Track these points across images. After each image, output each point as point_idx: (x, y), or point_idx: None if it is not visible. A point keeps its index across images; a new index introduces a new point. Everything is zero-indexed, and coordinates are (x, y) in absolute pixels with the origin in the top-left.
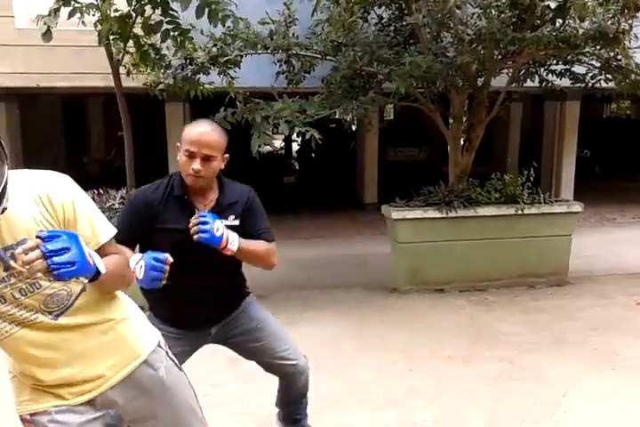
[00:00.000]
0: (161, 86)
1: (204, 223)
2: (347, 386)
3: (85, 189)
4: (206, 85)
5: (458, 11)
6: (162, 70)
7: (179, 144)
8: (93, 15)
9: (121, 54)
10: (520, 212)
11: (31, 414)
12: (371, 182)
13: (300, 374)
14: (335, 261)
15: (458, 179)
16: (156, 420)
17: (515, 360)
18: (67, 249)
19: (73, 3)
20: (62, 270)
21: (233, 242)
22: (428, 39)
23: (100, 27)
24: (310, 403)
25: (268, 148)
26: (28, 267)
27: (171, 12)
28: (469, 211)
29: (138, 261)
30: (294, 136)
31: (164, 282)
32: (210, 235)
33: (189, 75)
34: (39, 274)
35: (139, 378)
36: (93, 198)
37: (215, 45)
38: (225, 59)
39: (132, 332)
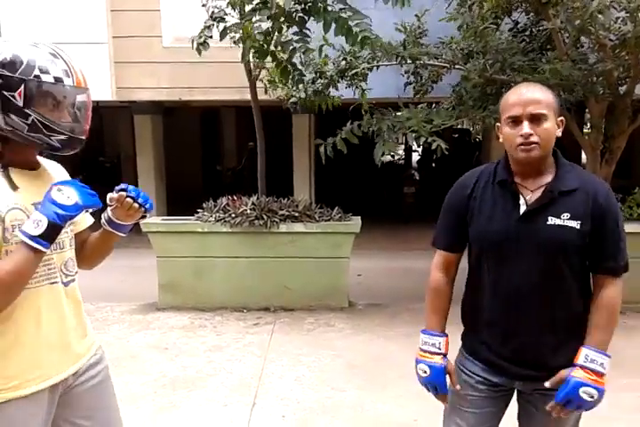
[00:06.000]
0: (293, 99)
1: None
2: None
3: (219, 195)
4: (335, 98)
5: (600, 15)
6: (295, 85)
7: (498, 124)
8: (236, 33)
9: (258, 70)
10: None
11: (1, 403)
12: None
13: None
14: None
15: None
16: (94, 414)
17: None
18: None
19: (223, 24)
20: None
21: (605, 367)
22: (565, 45)
23: (242, 44)
24: None
25: (388, 158)
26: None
27: (304, 31)
28: None
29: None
30: (414, 146)
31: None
32: (592, 404)
33: (320, 89)
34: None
35: (90, 365)
36: (228, 204)
37: (345, 59)
38: (353, 72)
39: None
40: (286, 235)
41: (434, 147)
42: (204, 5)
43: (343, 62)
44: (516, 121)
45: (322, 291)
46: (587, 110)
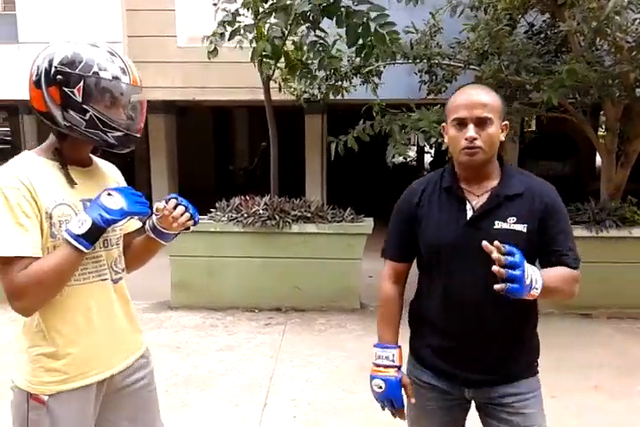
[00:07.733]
0: (305, 95)
1: (514, 266)
2: None
3: (231, 195)
4: (346, 93)
5: (617, 17)
6: (308, 82)
7: (444, 124)
8: (249, 34)
9: (271, 70)
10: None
11: (50, 395)
12: None
13: None
14: None
15: (611, 196)
16: (137, 416)
17: None
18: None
19: (236, 24)
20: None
21: (537, 284)
22: (581, 47)
23: (254, 44)
24: None
25: (401, 159)
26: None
27: (319, 34)
28: (622, 231)
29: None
30: (427, 148)
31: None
32: (520, 286)
33: (333, 82)
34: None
35: (137, 367)
36: (240, 204)
37: (359, 55)
38: (367, 69)
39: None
40: (298, 235)
41: (444, 147)
42: (214, 4)
43: (358, 59)
44: (461, 123)
45: (333, 292)
46: (602, 113)
